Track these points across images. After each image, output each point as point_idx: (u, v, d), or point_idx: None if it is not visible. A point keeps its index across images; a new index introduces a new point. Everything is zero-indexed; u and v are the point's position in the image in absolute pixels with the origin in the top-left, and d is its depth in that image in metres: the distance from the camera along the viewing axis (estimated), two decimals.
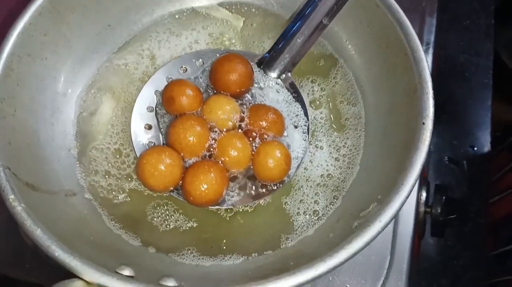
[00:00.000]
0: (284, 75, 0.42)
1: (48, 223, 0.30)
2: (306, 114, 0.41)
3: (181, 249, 0.35)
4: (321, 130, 0.41)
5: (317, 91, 0.43)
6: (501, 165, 0.69)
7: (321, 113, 0.42)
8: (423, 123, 0.32)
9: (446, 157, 0.66)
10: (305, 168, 0.39)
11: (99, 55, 0.43)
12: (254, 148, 0.38)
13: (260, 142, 0.39)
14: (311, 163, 0.40)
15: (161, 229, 0.37)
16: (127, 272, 0.29)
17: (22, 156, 0.34)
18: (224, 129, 0.39)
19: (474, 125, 0.67)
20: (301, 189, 0.39)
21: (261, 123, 0.39)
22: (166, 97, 0.39)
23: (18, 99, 0.36)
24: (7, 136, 0.33)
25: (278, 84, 0.42)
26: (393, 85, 0.38)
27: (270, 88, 0.42)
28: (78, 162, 0.39)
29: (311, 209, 0.38)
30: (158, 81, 0.41)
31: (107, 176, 0.38)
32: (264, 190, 0.38)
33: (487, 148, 0.65)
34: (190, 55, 0.44)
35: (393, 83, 0.38)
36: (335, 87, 0.43)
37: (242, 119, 0.40)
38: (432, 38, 0.53)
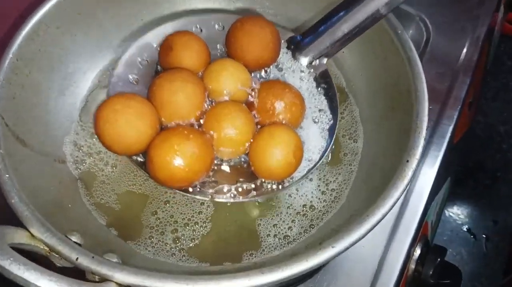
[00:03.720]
0: (317, 61, 0.36)
1: (25, 176, 0.32)
2: (334, 112, 0.35)
3: (139, 240, 0.35)
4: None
5: None
6: None
7: None
8: (407, 161, 0.31)
9: (465, 226, 0.61)
10: (289, 195, 0.38)
11: (127, 43, 0.45)
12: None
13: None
14: (297, 191, 0.38)
15: (128, 215, 0.37)
16: (75, 238, 0.29)
17: (24, 112, 0.36)
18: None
19: (501, 199, 0.62)
20: (280, 214, 0.37)
21: (273, 103, 0.30)
22: (164, 47, 0.33)
23: (36, 62, 0.38)
24: (13, 90, 0.35)
25: (304, 71, 0.35)
26: (394, 125, 0.37)
27: (292, 72, 0.36)
28: (76, 134, 0.40)
29: (283, 233, 0.36)
30: (164, 36, 0.35)
31: (95, 154, 0.40)
32: (255, 190, 0.31)
33: (510, 226, 0.60)
34: (210, 16, 0.38)
35: (394, 121, 0.37)
36: (341, 122, 0.42)
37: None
38: (463, 95, 0.51)
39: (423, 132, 0.32)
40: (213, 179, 0.32)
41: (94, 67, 0.44)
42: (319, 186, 0.39)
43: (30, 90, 0.37)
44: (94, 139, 0.40)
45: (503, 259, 0.59)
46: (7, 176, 0.30)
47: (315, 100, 0.36)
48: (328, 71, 0.36)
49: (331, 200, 0.38)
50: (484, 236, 0.61)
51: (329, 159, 0.40)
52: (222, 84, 0.30)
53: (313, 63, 0.36)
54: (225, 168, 0.33)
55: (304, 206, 0.38)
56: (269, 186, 0.33)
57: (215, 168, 0.33)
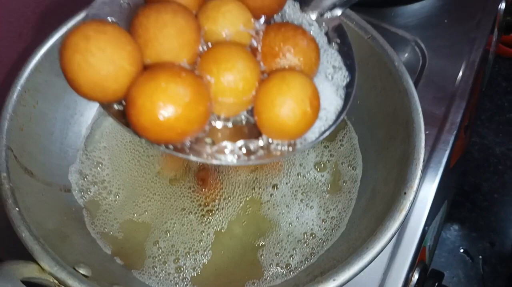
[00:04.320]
0: (329, 14, 0.31)
1: (32, 208, 0.33)
2: (352, 69, 0.30)
3: (143, 269, 0.36)
4: (316, 191, 0.41)
5: (325, 155, 0.43)
6: None
7: (322, 176, 0.42)
8: (405, 193, 0.31)
9: (462, 248, 0.62)
10: (289, 223, 0.39)
11: None
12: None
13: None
14: (297, 219, 0.39)
15: (131, 244, 0.38)
16: (83, 271, 0.30)
17: (31, 143, 0.37)
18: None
19: (498, 221, 0.63)
20: (281, 243, 0.38)
21: (283, 46, 0.25)
22: None
23: (42, 93, 0.39)
24: (21, 122, 0.36)
25: (313, 25, 0.31)
26: (392, 153, 0.37)
27: (300, 24, 0.31)
28: (81, 163, 0.41)
29: (284, 262, 0.37)
30: None
31: (100, 183, 0.40)
32: (262, 149, 0.26)
33: (507, 248, 0.61)
34: None
35: (392, 150, 0.37)
36: (340, 149, 0.43)
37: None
38: (459, 120, 0.52)
39: (420, 164, 0.33)
40: (209, 138, 0.26)
41: None
42: (319, 213, 0.39)
43: (36, 121, 0.38)
44: (98, 168, 0.41)
45: (501, 282, 0.60)
46: (17, 209, 0.30)
47: (328, 56, 0.31)
48: (342, 25, 0.32)
49: (331, 228, 0.39)
50: (481, 257, 0.61)
51: (329, 187, 0.41)
52: (220, 23, 0.26)
53: (324, 16, 0.32)
54: (223, 126, 0.26)
55: (305, 233, 0.38)
56: (278, 147, 0.27)
57: (212, 123, 0.26)
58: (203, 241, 0.37)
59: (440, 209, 0.54)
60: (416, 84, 0.54)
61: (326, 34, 0.32)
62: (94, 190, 0.40)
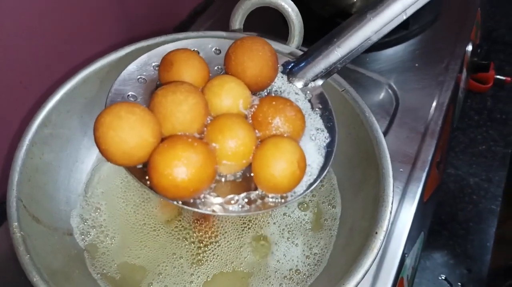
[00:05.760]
0: (312, 84, 0.37)
1: (40, 252, 0.36)
2: (331, 131, 0.35)
3: None
4: (300, 229, 0.44)
5: (308, 196, 0.47)
6: None
7: (305, 215, 0.45)
8: (376, 233, 0.35)
9: (442, 276, 0.66)
10: (277, 261, 0.42)
11: None
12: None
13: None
14: (284, 256, 0.43)
15: (128, 284, 0.40)
16: None
17: (37, 192, 0.40)
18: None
19: (474, 249, 0.67)
20: (269, 278, 0.41)
21: (273, 117, 0.30)
22: (164, 63, 0.33)
23: (48, 145, 0.43)
24: (29, 174, 0.39)
25: (298, 94, 0.37)
26: (367, 194, 0.41)
27: (287, 94, 0.37)
28: (81, 208, 0.45)
29: None
30: (162, 55, 0.35)
31: (98, 227, 0.44)
32: (260, 199, 0.31)
33: (483, 274, 0.65)
34: (206, 40, 0.40)
35: (367, 191, 0.41)
36: (321, 189, 0.47)
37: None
38: (430, 158, 0.56)
39: (389, 206, 0.36)
40: (214, 193, 0.31)
41: None
42: (303, 250, 0.43)
43: (42, 171, 0.42)
44: (97, 213, 0.44)
45: None
46: (28, 256, 0.33)
47: (311, 120, 0.37)
48: (324, 93, 0.37)
49: (314, 263, 0.42)
50: (460, 284, 0.65)
51: (312, 225, 0.45)
52: (223, 98, 0.31)
53: (308, 86, 0.38)
54: (224, 182, 0.32)
55: (291, 270, 0.42)
56: (272, 199, 0.32)
57: (217, 179, 0.31)
58: (194, 282, 0.41)
59: (416, 240, 0.58)
60: (390, 124, 0.59)
61: (309, 101, 0.38)
62: (93, 233, 0.43)
